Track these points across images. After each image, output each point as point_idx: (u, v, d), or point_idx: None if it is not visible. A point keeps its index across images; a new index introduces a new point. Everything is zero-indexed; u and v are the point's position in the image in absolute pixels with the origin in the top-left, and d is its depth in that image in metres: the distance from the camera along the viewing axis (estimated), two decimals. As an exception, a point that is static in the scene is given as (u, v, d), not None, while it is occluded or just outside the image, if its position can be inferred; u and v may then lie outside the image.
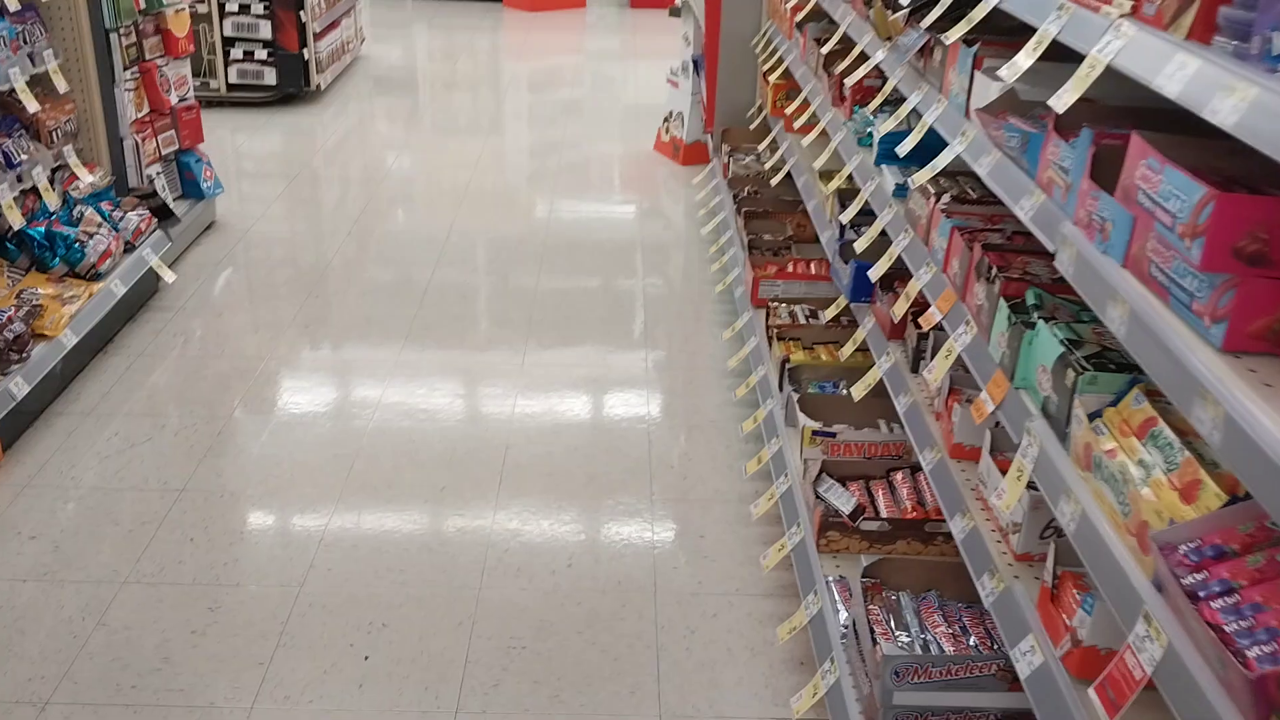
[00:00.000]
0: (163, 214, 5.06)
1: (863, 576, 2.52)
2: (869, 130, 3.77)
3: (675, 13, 7.35)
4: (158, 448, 3.93)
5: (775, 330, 4.01)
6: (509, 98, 9.42)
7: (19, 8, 4.36)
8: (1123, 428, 1.84)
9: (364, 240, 5.97)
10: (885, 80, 3.97)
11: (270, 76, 7.94)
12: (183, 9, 5.39)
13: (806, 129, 4.63)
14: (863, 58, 3.75)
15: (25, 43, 4.36)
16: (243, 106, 8.04)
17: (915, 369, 3.05)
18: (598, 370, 4.56)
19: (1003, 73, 2.11)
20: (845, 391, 3.67)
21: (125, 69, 5.02)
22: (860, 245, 3.31)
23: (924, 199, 2.90)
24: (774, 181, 5.09)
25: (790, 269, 4.54)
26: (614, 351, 4.73)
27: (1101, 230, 1.82)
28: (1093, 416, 1.90)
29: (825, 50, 4.16)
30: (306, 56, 7.97)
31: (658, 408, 4.27)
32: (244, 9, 7.73)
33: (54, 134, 4.55)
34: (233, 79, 7.94)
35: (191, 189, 5.63)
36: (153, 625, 3.08)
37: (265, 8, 7.74)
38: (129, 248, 4.71)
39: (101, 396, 4.22)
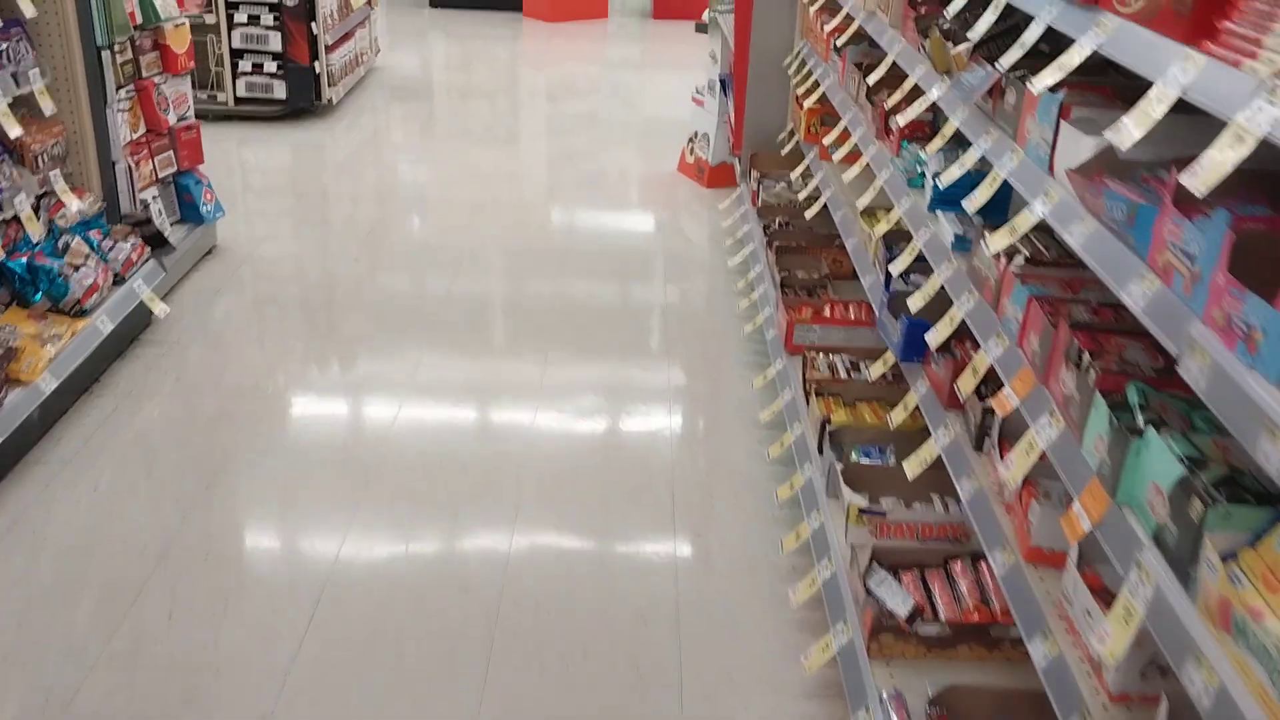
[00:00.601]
0: (157, 242, 4.76)
1: (929, 705, 2.19)
2: (920, 170, 3.44)
3: (702, 29, 7.03)
4: (140, 501, 3.62)
5: (814, 385, 3.68)
6: (526, 112, 9.12)
7: (1, 24, 4.07)
8: (1268, 578, 1.50)
9: (373, 261, 5.66)
10: (938, 114, 3.65)
11: (280, 90, 7.64)
12: (183, 24, 5.09)
13: (846, 160, 4.31)
14: (916, 92, 3.42)
15: (9, 61, 4.07)
16: (251, 121, 7.75)
17: (979, 446, 2.72)
18: (616, 420, 4.24)
19: (1118, 137, 1.77)
20: (893, 459, 3.34)
21: (119, 88, 4.73)
22: (914, 305, 2.97)
23: (993, 258, 2.56)
24: (808, 214, 4.76)
25: (828, 312, 4.21)
26: (635, 398, 4.41)
27: (1246, 339, 1.49)
28: (1225, 557, 1.56)
29: (871, 80, 3.82)
30: (318, 70, 7.68)
31: (683, 464, 3.94)
32: (253, 20, 7.44)
33: (39, 158, 4.25)
34: (241, 92, 7.65)
35: (190, 213, 5.32)
36: (121, 717, 2.76)
37: (275, 19, 7.44)
38: (119, 280, 4.41)
39: (83, 442, 3.92)
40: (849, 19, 4.51)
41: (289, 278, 5.48)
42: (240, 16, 7.42)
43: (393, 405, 4.25)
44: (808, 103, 5.06)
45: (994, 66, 2.67)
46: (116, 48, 4.68)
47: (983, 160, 2.69)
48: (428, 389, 4.40)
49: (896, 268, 3.22)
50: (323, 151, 7.48)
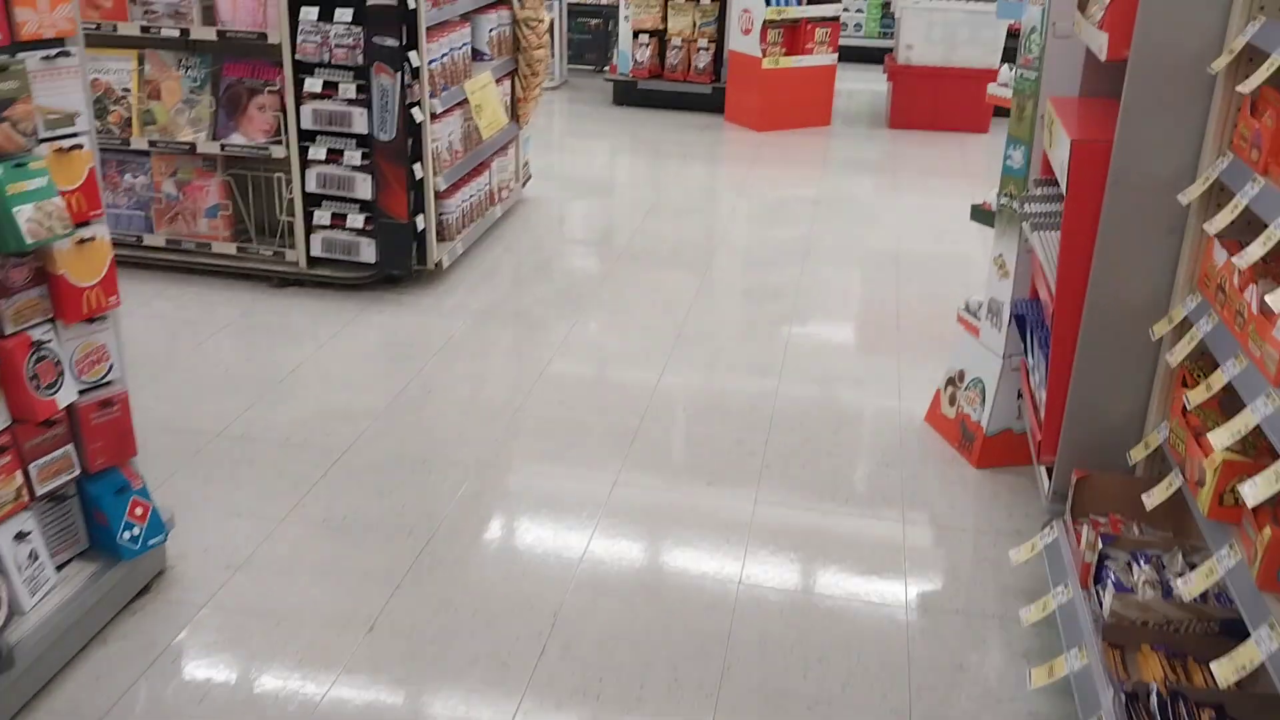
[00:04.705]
0: (-30, 658, 2.59)
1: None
2: None
3: (985, 219, 4.53)
4: None
5: None
6: (717, 273, 6.74)
7: None
8: None
9: (455, 570, 3.35)
10: None
11: (367, 251, 5.51)
12: (94, 238, 2.93)
13: None
14: None
15: None
16: (327, 288, 5.64)
17: None
18: None
19: None
20: None
21: (-58, 364, 2.61)
22: None
23: None
24: (1227, 681, 2.16)
25: None
26: None
27: None
28: None
29: None
30: (420, 225, 5.51)
31: None
32: (334, 157, 5.33)
33: None
34: (315, 250, 5.55)
35: (104, 540, 3.16)
36: None
37: (364, 157, 5.33)
38: None
39: None
40: None
41: (276, 648, 3.20)
42: (317, 151, 5.33)
43: None
44: (1220, 446, 2.45)
45: None
46: (-57, 293, 2.56)
47: None
48: None
49: None
50: (417, 343, 5.27)
